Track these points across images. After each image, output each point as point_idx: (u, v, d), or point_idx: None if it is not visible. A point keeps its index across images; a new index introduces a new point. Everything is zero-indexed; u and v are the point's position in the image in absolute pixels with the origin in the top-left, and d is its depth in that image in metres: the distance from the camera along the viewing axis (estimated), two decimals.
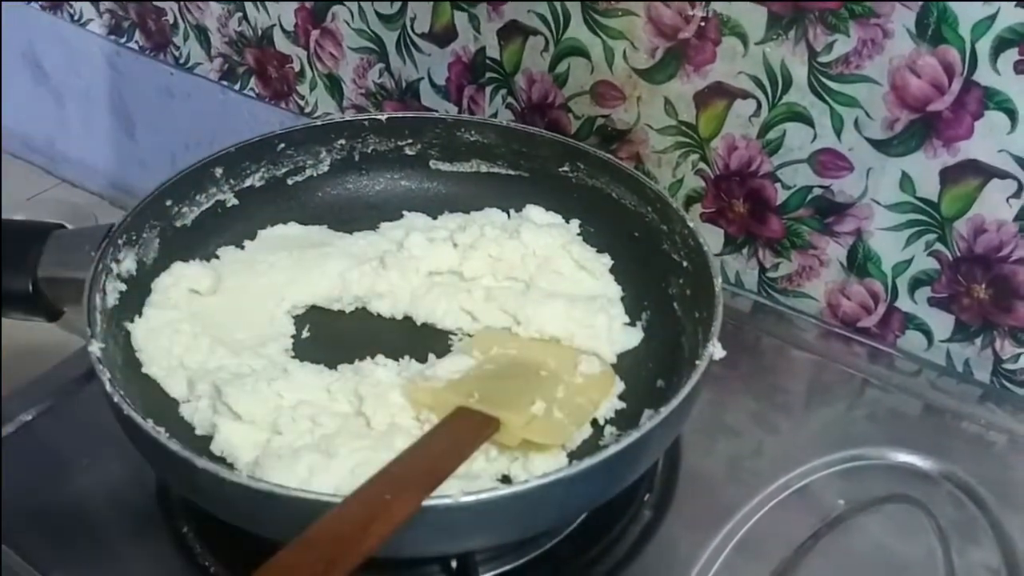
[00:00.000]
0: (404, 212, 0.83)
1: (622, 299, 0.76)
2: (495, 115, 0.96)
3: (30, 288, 0.72)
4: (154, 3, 1.16)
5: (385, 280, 0.76)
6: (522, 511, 0.56)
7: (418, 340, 0.73)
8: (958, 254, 0.76)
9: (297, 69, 1.09)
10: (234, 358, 0.69)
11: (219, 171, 0.78)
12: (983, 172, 0.72)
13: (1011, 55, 0.67)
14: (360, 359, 0.69)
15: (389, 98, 1.03)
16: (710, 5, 0.78)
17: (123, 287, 0.70)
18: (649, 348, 0.73)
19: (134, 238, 0.72)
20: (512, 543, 0.64)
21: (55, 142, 1.43)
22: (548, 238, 0.77)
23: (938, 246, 0.77)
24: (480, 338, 0.72)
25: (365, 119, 0.84)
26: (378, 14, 0.97)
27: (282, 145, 0.81)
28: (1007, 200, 0.72)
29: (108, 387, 0.59)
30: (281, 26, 1.07)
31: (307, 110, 1.11)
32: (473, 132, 0.83)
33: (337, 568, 0.48)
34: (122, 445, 0.60)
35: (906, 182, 0.76)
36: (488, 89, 0.95)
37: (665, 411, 0.58)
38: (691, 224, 0.72)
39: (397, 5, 0.95)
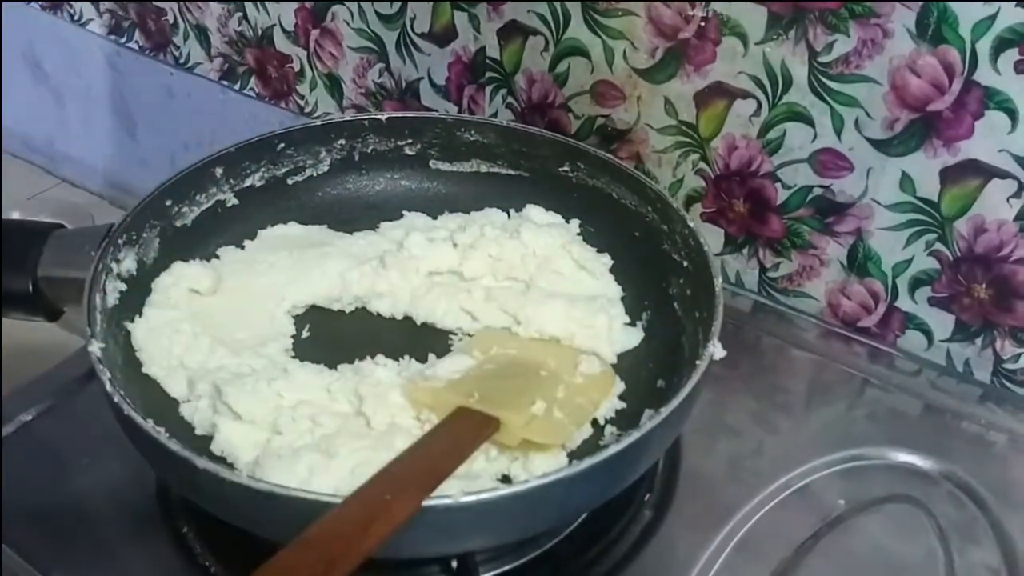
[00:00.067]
0: (404, 212, 0.83)
1: (622, 299, 0.76)
2: (495, 115, 0.96)
3: (30, 288, 0.72)
4: (154, 3, 1.16)
5: (385, 280, 0.76)
6: (522, 511, 0.56)
7: (418, 340, 0.73)
8: (958, 254, 0.76)
9: (297, 69, 1.09)
10: (234, 358, 0.69)
11: (219, 171, 0.78)
12: (983, 172, 0.72)
13: (1011, 55, 0.67)
14: (360, 359, 0.69)
15: (389, 98, 1.03)
16: (710, 5, 0.78)
17: (123, 287, 0.70)
18: (649, 348, 0.73)
19: (134, 238, 0.72)
20: (512, 543, 0.64)
21: (55, 142, 1.43)
22: (548, 238, 0.77)
23: (938, 246, 0.77)
24: (480, 338, 0.72)
25: (365, 119, 0.83)
26: (378, 14, 0.97)
27: (282, 145, 0.81)
28: (1007, 200, 0.72)
29: (108, 387, 0.59)
30: (281, 26, 1.07)
31: (307, 110, 1.11)
32: (473, 132, 0.83)
33: (337, 568, 0.48)
34: (122, 445, 0.60)
35: (906, 182, 0.76)
36: (488, 89, 0.95)
37: (665, 411, 0.58)
38: (691, 224, 0.72)
39: (397, 5, 0.95)
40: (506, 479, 0.62)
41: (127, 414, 0.57)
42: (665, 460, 0.71)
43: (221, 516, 0.58)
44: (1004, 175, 0.72)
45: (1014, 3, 0.66)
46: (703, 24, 0.79)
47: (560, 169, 0.81)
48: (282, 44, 1.08)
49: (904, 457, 0.72)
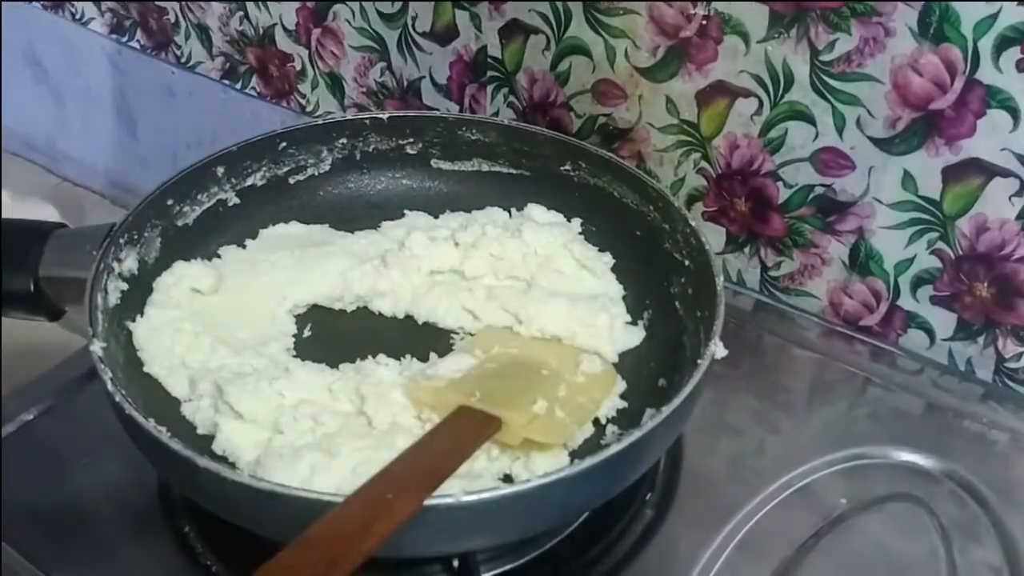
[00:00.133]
0: (405, 211, 0.83)
1: (624, 298, 0.76)
2: (496, 114, 0.95)
3: (31, 288, 0.72)
4: (155, 2, 1.16)
5: (386, 279, 0.76)
6: (524, 510, 0.56)
7: (420, 339, 0.73)
8: (960, 252, 0.76)
9: (298, 68, 1.08)
10: (236, 357, 0.69)
11: (221, 170, 0.78)
12: (985, 171, 0.72)
13: (1013, 53, 0.67)
14: (362, 358, 0.69)
15: (390, 97, 1.03)
16: (712, 4, 0.77)
17: (125, 286, 0.70)
18: (651, 347, 0.73)
19: (136, 237, 0.72)
20: (513, 542, 0.64)
21: (56, 141, 1.43)
22: (550, 237, 0.77)
23: (940, 244, 0.77)
24: (481, 337, 0.72)
25: (366, 118, 0.83)
26: (379, 13, 0.97)
27: (283, 144, 0.81)
28: (1009, 199, 0.72)
29: (110, 386, 0.59)
30: (282, 25, 1.07)
31: (308, 109, 1.11)
32: (474, 131, 0.83)
33: (338, 567, 0.48)
34: (123, 444, 0.60)
35: (908, 181, 0.76)
36: (489, 88, 0.95)
37: (667, 410, 0.58)
38: (693, 223, 0.72)
39: (398, 4, 0.95)
40: (508, 478, 0.62)
41: (128, 413, 0.57)
42: (666, 459, 0.71)
43: (223, 515, 0.58)
44: (1006, 174, 0.71)
45: (1016, 2, 0.66)
46: (705, 23, 0.79)
47: (561, 168, 0.81)
48: (283, 43, 1.08)
49: (906, 456, 0.72)
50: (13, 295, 0.72)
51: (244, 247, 0.79)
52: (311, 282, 0.76)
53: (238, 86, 1.16)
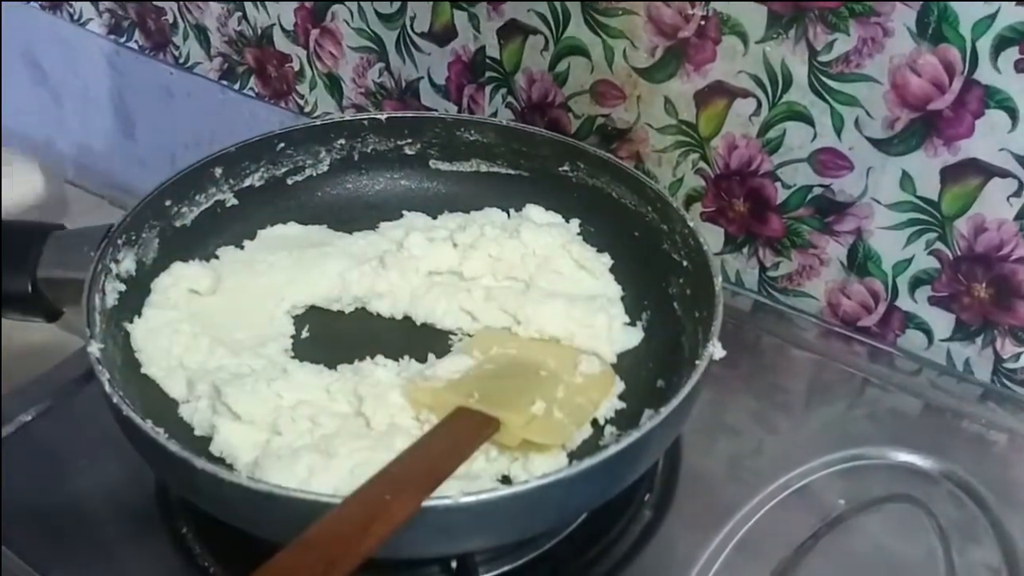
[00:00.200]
0: (404, 212, 0.83)
1: (622, 299, 0.76)
2: (495, 114, 0.95)
3: (29, 288, 0.72)
4: (154, 3, 1.16)
5: (385, 280, 0.76)
6: (522, 512, 0.56)
7: (418, 340, 0.73)
8: (958, 253, 0.76)
9: (297, 68, 1.08)
10: (233, 358, 0.69)
11: (219, 171, 0.78)
12: (984, 171, 0.72)
13: (1012, 54, 0.67)
14: (360, 359, 0.69)
15: (389, 97, 1.02)
16: (710, 4, 0.77)
17: (122, 287, 0.70)
18: (649, 348, 0.73)
19: (133, 238, 0.72)
20: (512, 544, 0.64)
21: (54, 141, 1.43)
22: (548, 238, 0.77)
23: (938, 245, 0.77)
24: (480, 338, 0.72)
25: (365, 118, 0.83)
26: (378, 13, 0.97)
27: (282, 145, 0.81)
28: (1008, 199, 0.72)
29: (107, 387, 0.59)
30: (281, 25, 1.07)
31: (307, 110, 1.11)
32: (473, 131, 0.83)
33: (336, 569, 0.48)
34: (121, 446, 0.60)
35: (906, 181, 0.76)
36: (488, 88, 0.95)
37: (665, 411, 0.58)
38: (691, 223, 0.72)
39: (397, 4, 0.95)
40: (506, 479, 0.62)
41: (126, 415, 0.57)
42: (665, 460, 0.71)
43: (220, 517, 0.58)
44: (1004, 174, 0.71)
45: (1014, 2, 0.66)
46: (703, 23, 0.79)
47: (560, 169, 0.81)
48: (282, 44, 1.08)
49: (904, 457, 0.72)
50: (11, 296, 0.72)
51: (242, 248, 0.79)
52: (309, 283, 0.76)
53: (236, 87, 1.16)
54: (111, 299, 0.68)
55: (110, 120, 1.32)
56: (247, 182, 0.80)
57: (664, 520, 0.67)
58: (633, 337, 0.73)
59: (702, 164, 0.85)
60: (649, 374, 0.71)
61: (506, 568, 0.64)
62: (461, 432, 0.60)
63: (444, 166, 0.85)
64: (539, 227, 0.78)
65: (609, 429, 0.67)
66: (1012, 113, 0.69)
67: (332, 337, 0.74)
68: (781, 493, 0.69)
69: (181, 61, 1.19)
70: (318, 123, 0.83)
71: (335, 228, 0.82)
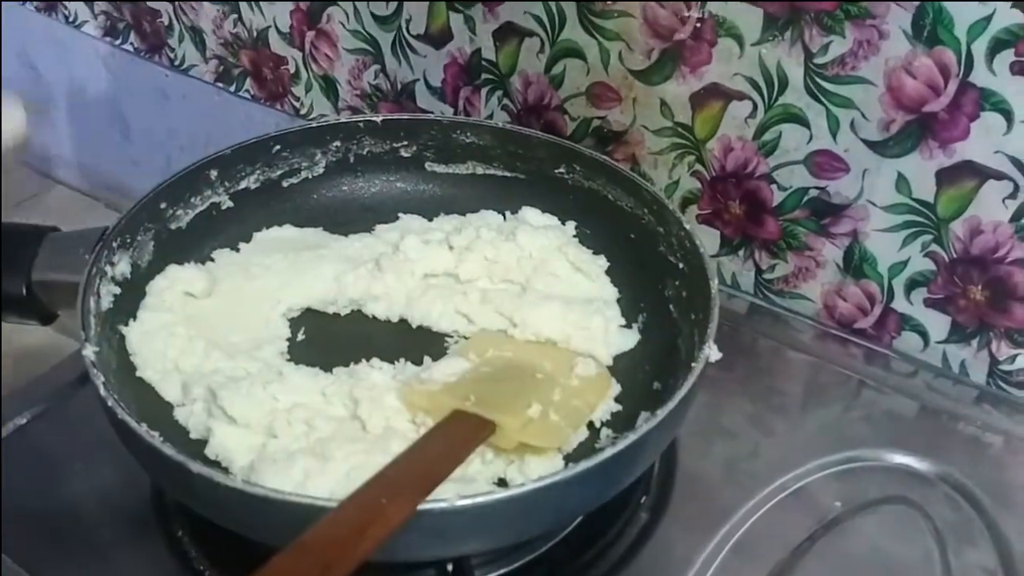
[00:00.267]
0: (399, 214, 0.83)
1: (618, 301, 0.76)
2: (491, 117, 0.95)
3: (24, 291, 0.71)
4: (149, 5, 1.16)
5: (381, 283, 0.76)
6: (518, 515, 0.56)
7: (414, 343, 0.73)
8: (954, 255, 0.76)
9: (292, 71, 1.08)
10: (229, 361, 0.68)
11: (214, 173, 0.78)
12: (979, 173, 0.72)
13: (1007, 56, 0.67)
14: (355, 362, 0.69)
15: (384, 100, 1.02)
16: (706, 6, 0.77)
17: (117, 290, 0.70)
18: (645, 350, 0.73)
19: (128, 241, 0.72)
20: (508, 547, 0.64)
21: (49, 144, 1.43)
22: (544, 240, 0.77)
23: (934, 247, 0.77)
24: (476, 341, 0.72)
25: (360, 121, 0.83)
26: (373, 15, 0.97)
27: (277, 147, 0.81)
28: (1003, 201, 0.72)
29: (102, 391, 0.59)
30: (276, 27, 1.06)
31: (302, 112, 1.11)
32: (469, 134, 0.83)
33: (333, 573, 0.47)
34: (116, 449, 0.60)
35: (902, 183, 0.76)
36: (484, 91, 0.95)
37: (661, 413, 0.58)
38: (687, 226, 0.72)
39: (392, 6, 0.95)
40: (502, 482, 0.62)
41: (121, 418, 0.57)
42: (661, 463, 0.71)
43: (216, 521, 0.58)
44: (1000, 176, 0.72)
45: (1010, 4, 0.66)
46: (699, 25, 0.79)
47: (556, 171, 0.81)
48: (277, 46, 1.08)
49: (900, 459, 0.72)
50: (5, 299, 0.72)
51: (237, 250, 0.79)
52: (305, 286, 0.76)
53: (232, 89, 1.16)
54: (106, 302, 0.68)
55: (105, 122, 1.32)
56: (242, 184, 0.80)
57: (660, 523, 0.67)
58: (629, 339, 0.73)
59: (698, 166, 0.85)
60: (645, 376, 0.71)
61: (502, 571, 0.64)
62: (457, 435, 0.60)
63: (440, 168, 0.85)
64: (535, 229, 0.78)
65: (605, 432, 0.67)
66: (1007, 115, 0.69)
67: (328, 340, 0.74)
68: (777, 495, 0.69)
69: (176, 63, 1.19)
70: (314, 125, 0.83)
71: (331, 230, 0.82)
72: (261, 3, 1.06)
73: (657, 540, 0.66)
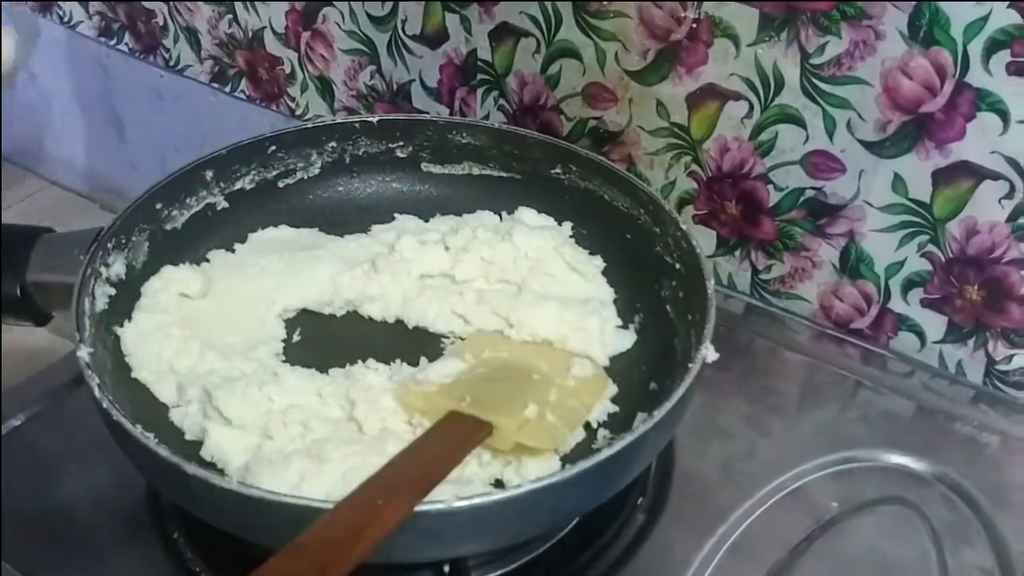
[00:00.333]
0: (395, 215, 0.83)
1: (615, 301, 0.76)
2: (487, 117, 0.95)
3: (18, 292, 0.71)
4: (144, 5, 1.16)
5: (376, 283, 0.76)
6: (515, 516, 0.56)
7: (410, 344, 0.73)
8: (951, 255, 0.76)
9: (288, 71, 1.08)
10: (224, 362, 0.68)
11: (209, 174, 0.78)
12: (975, 173, 0.72)
13: (1003, 56, 0.67)
14: (351, 363, 0.69)
15: (380, 100, 1.02)
16: (702, 7, 0.77)
17: (112, 291, 0.70)
18: (642, 351, 0.73)
19: (123, 242, 0.72)
20: (504, 548, 0.64)
21: (44, 144, 1.43)
22: (540, 240, 0.77)
23: (931, 247, 0.77)
24: (472, 341, 0.72)
25: (356, 121, 0.83)
26: (369, 16, 0.97)
27: (273, 148, 0.81)
28: (999, 201, 0.72)
29: (97, 392, 0.58)
30: (272, 28, 1.06)
31: (298, 112, 1.11)
32: (465, 134, 0.83)
33: (329, 574, 0.47)
34: (111, 450, 0.60)
35: (898, 184, 0.76)
36: (480, 91, 0.95)
37: (658, 414, 0.58)
38: (684, 226, 0.72)
39: (388, 7, 0.95)
40: (499, 484, 0.62)
41: (116, 419, 0.57)
42: (658, 463, 0.71)
43: (211, 522, 0.58)
44: (996, 176, 0.72)
45: (1006, 4, 0.66)
46: (695, 26, 0.79)
47: (552, 171, 0.81)
48: (273, 46, 1.08)
49: (897, 459, 0.72)
50: (1, 300, 0.72)
51: (233, 251, 0.79)
52: (300, 286, 0.76)
53: (227, 89, 1.16)
54: (101, 303, 0.68)
55: (100, 123, 1.32)
56: (238, 185, 0.80)
57: (657, 524, 0.67)
58: (626, 340, 0.73)
59: (694, 167, 0.85)
60: (642, 377, 0.70)
61: (499, 572, 0.64)
62: (453, 436, 0.60)
63: (436, 169, 0.85)
64: (531, 230, 0.78)
65: (602, 432, 0.67)
66: (1003, 116, 0.69)
67: (323, 341, 0.74)
68: (774, 496, 0.69)
69: (171, 64, 1.19)
70: (309, 126, 0.83)
71: (326, 231, 0.82)
72: (256, 3, 1.05)
73: (654, 541, 0.66)
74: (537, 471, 0.61)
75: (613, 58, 0.84)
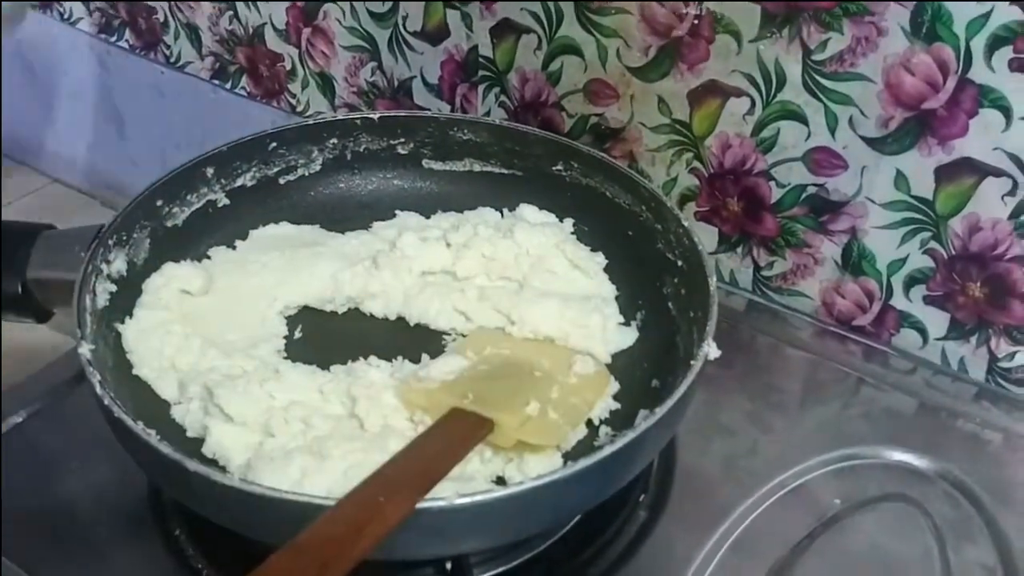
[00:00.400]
0: (397, 211, 0.82)
1: (616, 298, 0.76)
2: (488, 114, 0.95)
3: (19, 289, 0.71)
4: (144, 1, 1.16)
5: (378, 280, 0.76)
6: (517, 513, 0.56)
7: (411, 340, 0.73)
8: (953, 252, 0.76)
9: (289, 68, 1.08)
10: (226, 359, 0.68)
11: (210, 171, 0.78)
12: (978, 170, 0.72)
13: (1005, 52, 0.67)
14: (353, 360, 0.69)
15: (381, 97, 1.02)
16: (704, 3, 0.77)
17: (113, 288, 0.69)
18: (644, 348, 0.73)
19: (124, 238, 0.71)
20: (506, 545, 0.64)
21: (45, 141, 1.43)
22: (542, 237, 0.77)
23: (933, 244, 0.77)
24: (474, 338, 0.72)
25: (357, 118, 0.83)
26: (370, 12, 0.97)
27: (274, 144, 0.81)
28: (1002, 198, 0.72)
29: (98, 389, 0.58)
30: (272, 24, 1.06)
31: (299, 109, 1.11)
32: (466, 131, 0.83)
33: (330, 571, 0.47)
34: (113, 447, 0.59)
35: (901, 180, 0.76)
36: (481, 88, 0.94)
37: (660, 411, 0.58)
38: (685, 223, 0.72)
39: (389, 3, 0.95)
40: (501, 481, 0.62)
41: (117, 416, 0.57)
42: (660, 460, 0.71)
43: (213, 519, 0.58)
44: (998, 173, 0.71)
45: (1008, 1, 0.66)
46: (696, 22, 0.78)
47: (553, 168, 0.81)
48: (273, 43, 1.07)
49: (899, 456, 0.72)
50: (1, 297, 0.72)
51: (234, 248, 0.78)
52: (301, 283, 0.75)
53: (228, 86, 1.15)
54: (102, 300, 0.68)
55: (100, 120, 1.32)
56: (239, 182, 0.80)
57: (659, 521, 0.67)
58: (627, 337, 0.73)
59: (696, 163, 0.85)
60: (644, 374, 0.70)
61: (501, 569, 0.64)
62: (455, 433, 0.60)
63: (437, 165, 0.85)
64: (533, 227, 0.78)
65: (604, 429, 0.67)
66: (1006, 112, 0.69)
67: (325, 338, 0.73)
68: (777, 493, 0.69)
69: (172, 60, 1.19)
70: (310, 122, 0.83)
71: (328, 228, 0.82)
72: (257, 0, 1.05)
73: (656, 538, 0.66)
74: (539, 468, 0.61)
75: (615, 54, 0.84)
